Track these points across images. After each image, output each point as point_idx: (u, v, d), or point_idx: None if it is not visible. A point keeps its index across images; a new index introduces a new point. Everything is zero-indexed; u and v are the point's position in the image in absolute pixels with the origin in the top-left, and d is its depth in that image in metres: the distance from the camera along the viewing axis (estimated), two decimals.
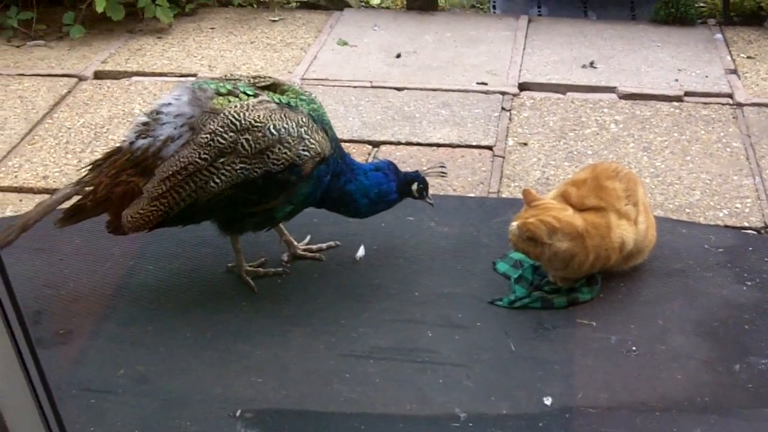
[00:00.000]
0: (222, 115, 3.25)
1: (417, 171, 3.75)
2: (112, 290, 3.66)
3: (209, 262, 3.81)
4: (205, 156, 3.23)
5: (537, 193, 3.52)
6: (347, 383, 3.19)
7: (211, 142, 3.23)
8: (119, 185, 3.36)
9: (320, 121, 3.43)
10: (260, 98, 3.34)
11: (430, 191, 3.78)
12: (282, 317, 3.50)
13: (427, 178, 3.74)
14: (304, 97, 3.47)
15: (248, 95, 3.35)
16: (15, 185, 4.49)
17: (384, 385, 3.18)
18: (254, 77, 3.49)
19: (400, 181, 3.67)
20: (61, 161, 4.67)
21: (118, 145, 3.54)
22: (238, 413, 3.06)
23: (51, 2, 6.49)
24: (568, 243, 3.35)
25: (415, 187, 3.70)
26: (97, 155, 4.54)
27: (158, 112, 3.37)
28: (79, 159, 4.66)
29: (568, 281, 3.55)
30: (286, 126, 3.28)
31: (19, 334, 1.54)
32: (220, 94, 3.34)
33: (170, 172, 3.26)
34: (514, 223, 3.39)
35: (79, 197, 3.46)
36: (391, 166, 3.68)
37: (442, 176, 3.94)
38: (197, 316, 3.51)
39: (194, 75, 5.56)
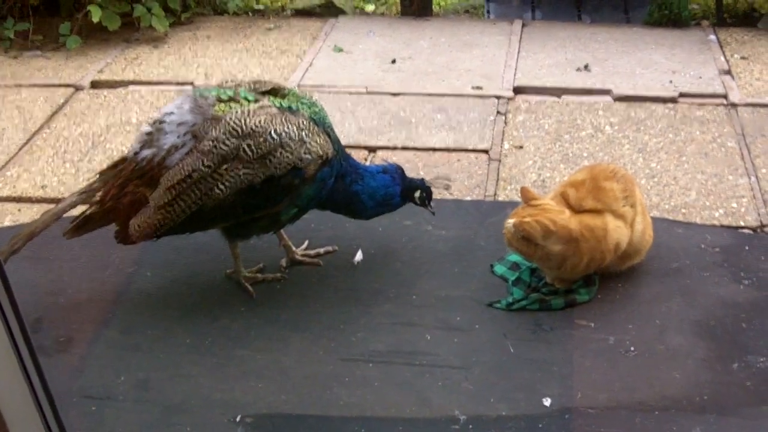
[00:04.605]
0: (223, 121, 3.26)
1: (423, 179, 3.77)
2: (112, 297, 3.67)
3: (208, 269, 3.82)
4: (209, 163, 3.25)
5: (535, 192, 3.53)
6: (347, 387, 3.20)
7: (213, 149, 3.24)
8: (126, 195, 3.38)
9: (322, 124, 3.45)
10: (261, 103, 3.36)
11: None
12: (281, 322, 3.52)
13: (432, 188, 3.77)
14: (305, 101, 3.48)
15: (249, 101, 3.36)
16: (14, 195, 4.50)
17: (383, 389, 3.19)
18: (255, 82, 3.50)
19: (404, 187, 3.69)
20: (59, 170, 4.68)
21: (123, 155, 3.55)
22: (238, 418, 3.08)
23: (47, 13, 6.51)
24: (560, 246, 3.36)
25: (417, 194, 3.73)
26: (95, 164, 4.57)
27: (161, 122, 3.39)
28: (76, 168, 4.68)
29: (565, 282, 3.56)
30: (286, 130, 3.29)
31: (21, 343, 1.55)
32: (221, 100, 3.35)
33: (175, 181, 3.28)
34: (511, 221, 3.39)
35: (86, 207, 3.48)
36: (398, 170, 3.70)
37: (446, 189, 3.91)
38: (197, 322, 3.53)
39: (191, 83, 5.57)
